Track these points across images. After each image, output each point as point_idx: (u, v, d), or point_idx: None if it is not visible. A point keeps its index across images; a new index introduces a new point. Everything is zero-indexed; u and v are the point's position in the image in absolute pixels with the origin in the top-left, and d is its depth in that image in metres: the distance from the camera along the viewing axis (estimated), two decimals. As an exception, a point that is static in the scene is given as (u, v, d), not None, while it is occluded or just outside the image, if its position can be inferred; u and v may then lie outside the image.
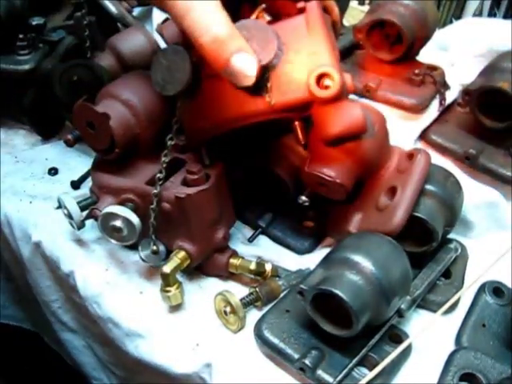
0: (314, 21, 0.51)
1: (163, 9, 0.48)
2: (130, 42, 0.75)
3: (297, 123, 0.55)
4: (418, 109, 0.77)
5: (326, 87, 0.49)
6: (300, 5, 0.52)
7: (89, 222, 0.66)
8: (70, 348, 0.77)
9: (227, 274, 0.64)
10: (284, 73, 0.51)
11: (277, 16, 0.55)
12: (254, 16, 0.53)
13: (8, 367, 1.03)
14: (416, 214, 0.58)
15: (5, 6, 0.78)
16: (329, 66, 0.49)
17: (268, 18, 0.54)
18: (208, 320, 0.60)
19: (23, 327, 0.90)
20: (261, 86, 0.51)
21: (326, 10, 0.56)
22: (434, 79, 0.79)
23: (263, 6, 0.54)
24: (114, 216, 0.57)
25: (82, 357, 0.76)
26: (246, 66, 0.47)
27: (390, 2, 0.78)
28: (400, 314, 0.54)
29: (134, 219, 0.58)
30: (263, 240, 0.70)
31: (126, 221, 0.58)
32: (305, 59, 0.50)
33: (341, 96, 0.50)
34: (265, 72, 0.50)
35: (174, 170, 0.61)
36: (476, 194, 0.71)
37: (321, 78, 0.49)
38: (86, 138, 0.60)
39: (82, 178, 0.76)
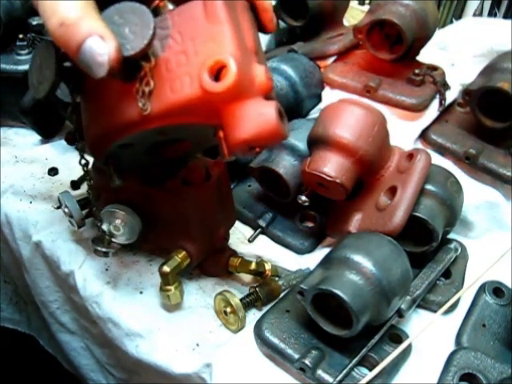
0: (212, 3, 0.42)
1: None
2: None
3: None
4: (418, 109, 0.77)
5: (221, 80, 0.40)
6: None
7: (89, 222, 0.66)
8: (68, 350, 0.76)
9: (227, 274, 0.64)
10: (177, 65, 0.42)
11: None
12: (155, 3, 0.46)
13: (3, 370, 1.03)
14: (416, 214, 0.58)
15: (5, 7, 0.78)
16: (225, 53, 0.40)
17: (171, 6, 0.46)
18: (208, 320, 0.60)
19: (19, 330, 0.90)
20: (133, 77, 0.43)
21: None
22: (434, 79, 0.79)
23: None
24: (114, 214, 0.57)
25: (79, 359, 0.75)
26: (97, 51, 0.38)
27: (390, 2, 0.78)
28: (400, 314, 0.54)
29: (134, 218, 0.58)
30: (263, 240, 0.69)
31: (126, 219, 0.58)
32: (200, 47, 0.42)
33: (241, 91, 0.40)
34: (138, 65, 0.42)
35: (175, 169, 0.61)
36: (476, 194, 0.71)
37: (217, 69, 0.40)
38: None
39: (82, 178, 0.75)
